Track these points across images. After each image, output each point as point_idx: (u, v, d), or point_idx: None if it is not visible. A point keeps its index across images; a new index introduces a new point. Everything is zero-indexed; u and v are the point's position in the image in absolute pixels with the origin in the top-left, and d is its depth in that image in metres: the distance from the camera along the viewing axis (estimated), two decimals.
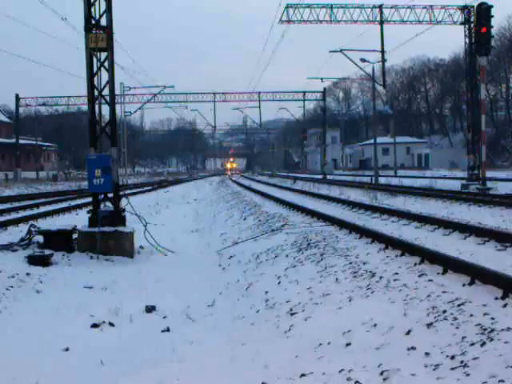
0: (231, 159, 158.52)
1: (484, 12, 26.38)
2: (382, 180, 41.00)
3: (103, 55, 12.51)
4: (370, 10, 32.08)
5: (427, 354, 4.73)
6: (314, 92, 64.40)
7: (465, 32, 30.36)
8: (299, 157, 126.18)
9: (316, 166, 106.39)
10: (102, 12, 12.41)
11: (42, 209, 21.98)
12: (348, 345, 5.37)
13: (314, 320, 6.30)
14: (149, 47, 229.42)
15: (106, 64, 12.50)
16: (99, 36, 12.33)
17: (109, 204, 12.71)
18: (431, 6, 31.89)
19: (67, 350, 6.01)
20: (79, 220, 14.43)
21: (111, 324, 7.01)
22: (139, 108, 63.50)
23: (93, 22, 12.44)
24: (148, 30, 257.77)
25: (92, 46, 12.33)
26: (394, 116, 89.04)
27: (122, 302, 7.74)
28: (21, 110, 63.83)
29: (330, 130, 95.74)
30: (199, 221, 19.90)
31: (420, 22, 32.14)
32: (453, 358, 4.56)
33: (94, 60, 12.49)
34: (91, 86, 12.52)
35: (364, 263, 8.41)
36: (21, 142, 63.89)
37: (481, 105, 27.94)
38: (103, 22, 12.44)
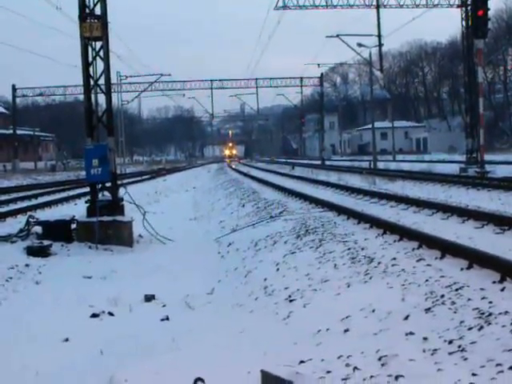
0: (230, 144, 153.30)
1: None
2: (380, 165, 40.98)
3: (98, 44, 12.45)
4: None
5: (425, 338, 4.75)
6: (312, 78, 64.28)
7: (462, 15, 30.20)
8: (297, 143, 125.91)
9: (314, 151, 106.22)
10: (96, 1, 12.34)
11: (41, 199, 21.94)
12: (346, 331, 5.39)
13: (313, 306, 6.32)
14: (145, 36, 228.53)
15: (101, 53, 12.44)
16: (94, 25, 12.26)
17: (107, 193, 12.70)
18: None
19: (67, 340, 6.03)
20: (78, 210, 14.40)
21: (110, 314, 7.03)
22: (136, 97, 63.55)
23: (87, 10, 12.36)
24: (145, 18, 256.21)
25: (87, 35, 12.26)
26: (392, 100, 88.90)
27: (121, 292, 7.75)
28: (18, 100, 63.61)
29: (328, 116, 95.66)
30: (198, 209, 19.90)
31: (417, 5, 32.01)
32: (451, 342, 4.58)
33: (89, 49, 12.43)
34: (87, 76, 12.46)
35: (362, 249, 8.42)
36: (18, 132, 63.72)
37: (479, 88, 27.85)
38: (98, 10, 12.36)
